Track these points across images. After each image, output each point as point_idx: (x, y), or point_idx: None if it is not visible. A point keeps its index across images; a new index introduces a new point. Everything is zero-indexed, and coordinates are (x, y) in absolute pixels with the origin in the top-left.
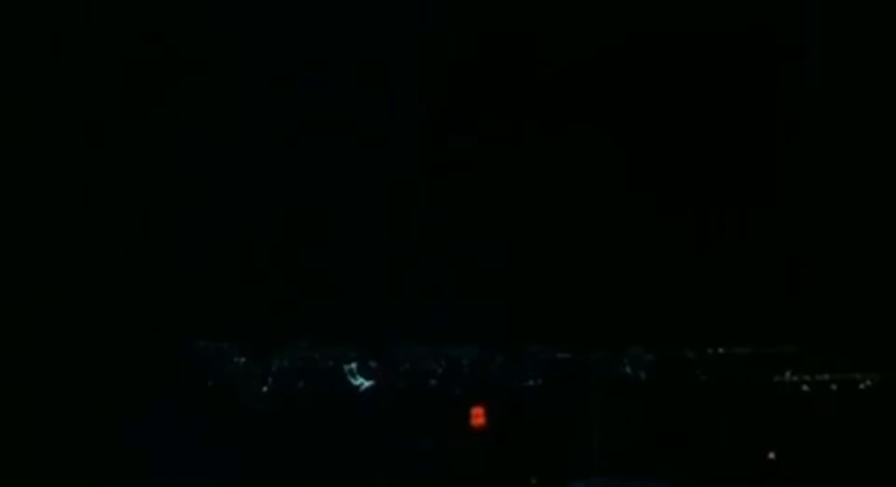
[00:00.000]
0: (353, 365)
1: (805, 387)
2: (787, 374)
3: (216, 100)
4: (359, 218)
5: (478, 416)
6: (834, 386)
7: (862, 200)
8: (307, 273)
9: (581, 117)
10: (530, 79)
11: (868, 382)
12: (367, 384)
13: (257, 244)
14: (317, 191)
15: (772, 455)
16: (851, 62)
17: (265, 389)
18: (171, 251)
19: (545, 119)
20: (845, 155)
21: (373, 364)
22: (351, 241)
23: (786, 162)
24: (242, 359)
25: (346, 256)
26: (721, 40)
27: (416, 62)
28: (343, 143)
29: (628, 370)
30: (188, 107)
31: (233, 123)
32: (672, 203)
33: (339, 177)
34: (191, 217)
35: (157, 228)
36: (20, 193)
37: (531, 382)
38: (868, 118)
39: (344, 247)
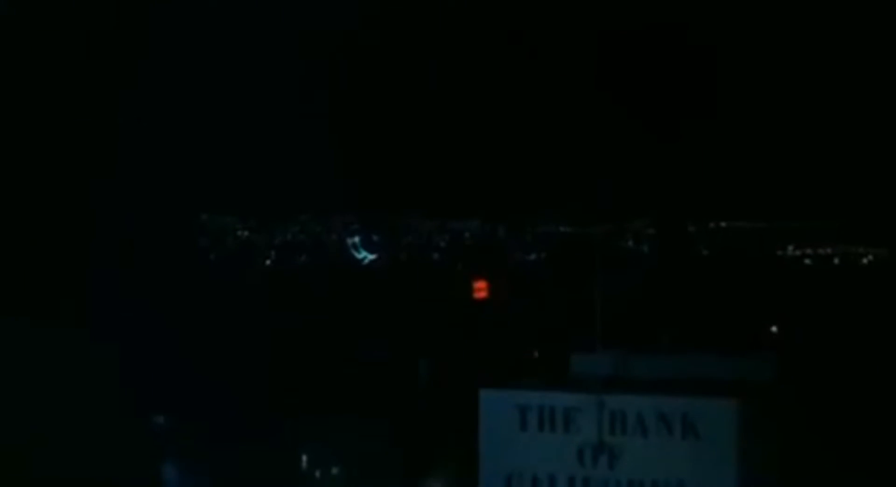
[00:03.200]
0: (356, 239)
1: (807, 261)
2: (790, 248)
3: None
4: (362, 96)
5: (480, 290)
6: (836, 260)
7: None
8: (309, 147)
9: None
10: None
11: (870, 257)
12: (369, 257)
13: (260, 119)
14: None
15: (774, 329)
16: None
17: (268, 262)
18: (175, 124)
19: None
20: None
21: (375, 237)
22: (352, 119)
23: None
24: (246, 233)
25: (348, 132)
26: None
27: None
28: None
29: (630, 243)
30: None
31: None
32: (669, 79)
33: None
34: (195, 94)
35: (159, 103)
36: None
37: (533, 256)
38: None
39: (346, 125)
